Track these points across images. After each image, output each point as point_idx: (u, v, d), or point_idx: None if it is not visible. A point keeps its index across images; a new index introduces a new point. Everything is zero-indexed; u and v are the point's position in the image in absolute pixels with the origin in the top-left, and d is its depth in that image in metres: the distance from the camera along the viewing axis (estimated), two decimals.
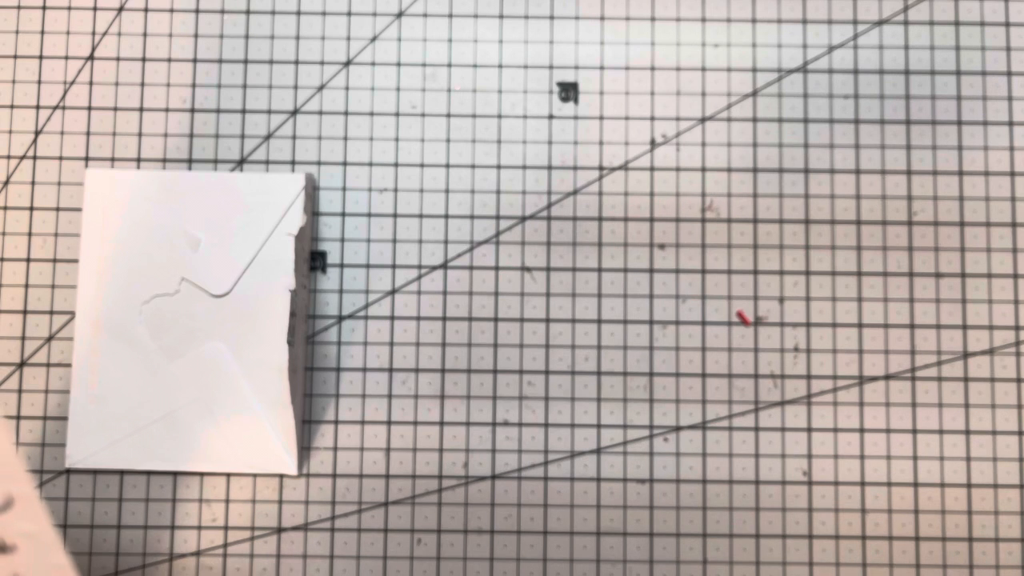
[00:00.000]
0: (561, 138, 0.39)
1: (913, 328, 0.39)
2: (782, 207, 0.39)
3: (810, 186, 0.39)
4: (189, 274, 0.37)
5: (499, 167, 0.39)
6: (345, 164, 0.39)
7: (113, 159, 0.39)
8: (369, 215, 0.39)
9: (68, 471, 0.38)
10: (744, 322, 0.39)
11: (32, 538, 0.24)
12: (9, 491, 0.23)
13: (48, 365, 0.39)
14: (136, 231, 0.38)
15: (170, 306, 0.37)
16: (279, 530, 0.38)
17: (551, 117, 0.40)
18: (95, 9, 0.40)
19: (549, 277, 0.39)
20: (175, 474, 0.38)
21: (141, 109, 0.40)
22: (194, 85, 0.40)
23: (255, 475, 0.38)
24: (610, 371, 0.38)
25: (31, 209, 0.39)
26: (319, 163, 0.39)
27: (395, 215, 0.39)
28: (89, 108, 0.40)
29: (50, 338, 0.39)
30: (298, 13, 0.40)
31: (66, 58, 0.40)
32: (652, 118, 0.40)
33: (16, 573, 0.24)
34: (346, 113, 0.40)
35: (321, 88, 0.40)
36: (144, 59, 0.40)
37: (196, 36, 0.40)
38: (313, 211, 0.39)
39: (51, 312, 0.39)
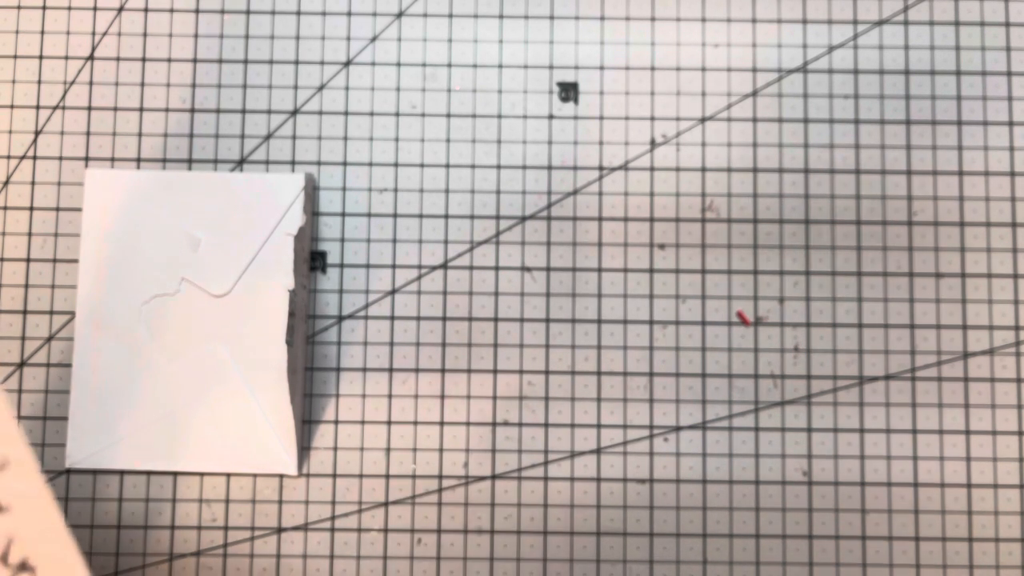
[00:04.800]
0: (561, 138, 0.39)
1: (913, 328, 0.39)
2: (782, 207, 0.39)
3: (810, 186, 0.39)
4: (189, 274, 0.37)
5: (499, 167, 0.39)
6: (345, 164, 0.39)
7: (113, 159, 0.39)
8: (369, 215, 0.39)
9: (68, 471, 0.38)
10: (744, 322, 0.39)
11: (26, 499, 0.24)
12: (4, 453, 0.23)
13: (48, 365, 0.39)
14: (136, 231, 0.38)
15: (170, 306, 0.37)
16: (279, 530, 0.38)
17: (551, 117, 0.40)
18: (95, 9, 0.40)
19: (549, 277, 0.39)
20: (175, 474, 0.38)
21: (141, 109, 0.40)
22: (194, 85, 0.40)
23: (255, 475, 0.38)
24: (610, 371, 0.38)
25: (31, 209, 0.39)
26: (319, 163, 0.39)
27: (395, 215, 0.39)
28: (89, 108, 0.40)
29: (50, 338, 0.39)
30: (298, 13, 0.40)
31: (66, 58, 0.40)
32: (652, 118, 0.40)
33: (11, 534, 0.24)
34: (346, 113, 0.40)
35: (321, 88, 0.40)
36: (144, 59, 0.40)
37: (196, 36, 0.40)
38: (313, 211, 0.39)
39: (51, 312, 0.39)
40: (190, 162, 0.39)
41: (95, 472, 0.38)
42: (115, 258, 0.37)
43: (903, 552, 0.37)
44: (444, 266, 0.39)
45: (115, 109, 0.40)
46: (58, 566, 0.24)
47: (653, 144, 0.39)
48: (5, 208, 0.39)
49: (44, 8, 0.40)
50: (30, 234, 0.39)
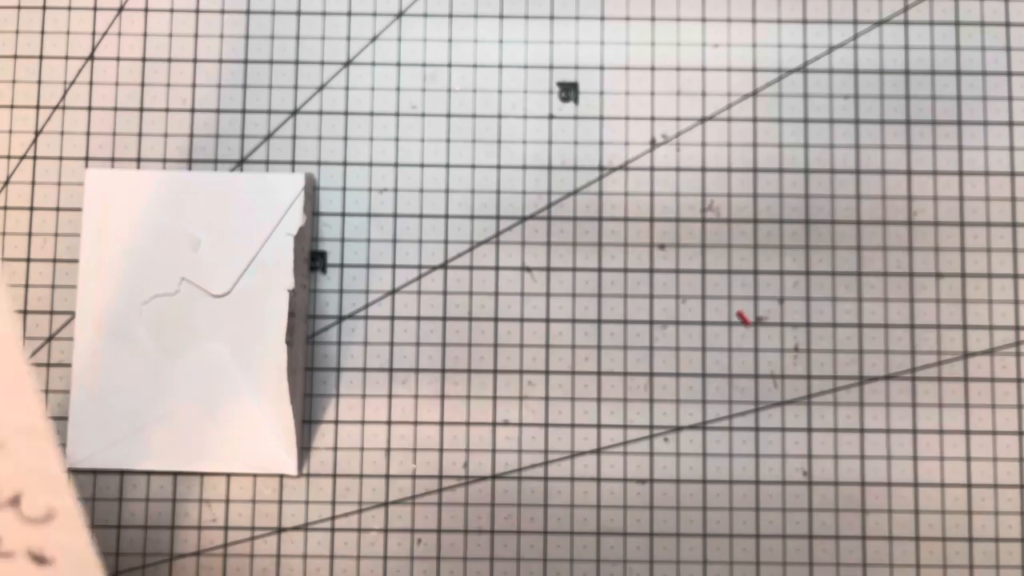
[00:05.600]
0: (561, 138, 0.39)
1: (913, 328, 0.39)
2: (782, 207, 0.39)
3: (810, 186, 0.39)
4: (189, 274, 0.37)
5: (499, 167, 0.39)
6: (345, 164, 0.39)
7: (113, 159, 0.39)
8: (369, 215, 0.39)
9: (68, 471, 0.38)
10: (744, 322, 0.39)
11: (71, 552, 0.24)
12: (51, 504, 0.23)
13: (48, 365, 0.39)
14: (136, 231, 0.38)
15: (170, 306, 0.37)
16: (279, 530, 0.38)
17: (551, 117, 0.40)
18: (95, 9, 0.40)
19: (549, 277, 0.39)
20: (175, 474, 0.38)
21: (141, 109, 0.40)
22: (194, 85, 0.40)
23: (255, 475, 0.38)
24: (610, 371, 0.38)
25: (31, 209, 0.39)
26: (319, 163, 0.39)
27: (395, 215, 0.39)
28: (89, 108, 0.40)
29: (50, 338, 0.39)
30: (298, 13, 0.40)
31: (66, 58, 0.40)
32: (652, 118, 0.40)
33: None
34: (346, 113, 0.40)
35: (321, 88, 0.40)
36: (144, 59, 0.40)
37: (196, 36, 0.40)
38: (313, 211, 0.39)
39: (51, 312, 0.39)
40: (190, 162, 0.39)
41: (95, 472, 0.38)
42: (115, 258, 0.37)
43: (903, 552, 0.37)
44: (444, 266, 0.39)
45: (115, 109, 0.40)
46: None
47: (653, 144, 0.39)
48: (5, 208, 0.39)
49: (44, 8, 0.40)
50: (30, 234, 0.39)
